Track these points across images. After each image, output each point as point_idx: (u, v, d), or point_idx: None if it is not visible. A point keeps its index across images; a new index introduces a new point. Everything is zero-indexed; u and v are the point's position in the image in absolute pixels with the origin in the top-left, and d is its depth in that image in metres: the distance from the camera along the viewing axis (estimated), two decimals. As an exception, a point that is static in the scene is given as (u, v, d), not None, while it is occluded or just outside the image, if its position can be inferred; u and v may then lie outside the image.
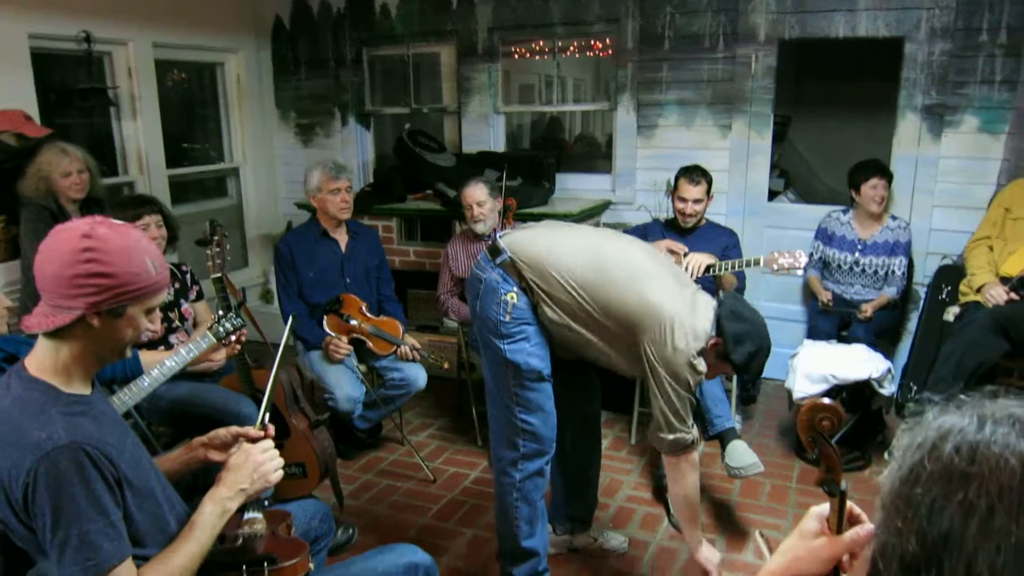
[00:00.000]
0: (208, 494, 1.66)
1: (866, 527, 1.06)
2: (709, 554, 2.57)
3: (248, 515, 1.75)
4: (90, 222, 1.51)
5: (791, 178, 6.00)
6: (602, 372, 4.36)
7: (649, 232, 4.08)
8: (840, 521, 1.08)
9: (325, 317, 3.71)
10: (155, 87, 4.99)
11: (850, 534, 1.07)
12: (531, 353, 2.45)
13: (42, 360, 1.53)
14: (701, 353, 2.31)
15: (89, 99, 4.51)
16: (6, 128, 3.80)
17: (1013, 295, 3.53)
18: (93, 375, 1.60)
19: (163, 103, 5.09)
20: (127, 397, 2.53)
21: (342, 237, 3.90)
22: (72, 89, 4.55)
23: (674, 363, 2.28)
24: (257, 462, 1.71)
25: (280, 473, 1.74)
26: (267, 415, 1.85)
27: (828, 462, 1.14)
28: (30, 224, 3.61)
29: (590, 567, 3.01)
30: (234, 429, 1.86)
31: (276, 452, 1.76)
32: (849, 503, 1.09)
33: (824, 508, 1.11)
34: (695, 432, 2.42)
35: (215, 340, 2.69)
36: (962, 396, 0.90)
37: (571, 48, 5.38)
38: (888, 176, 4.18)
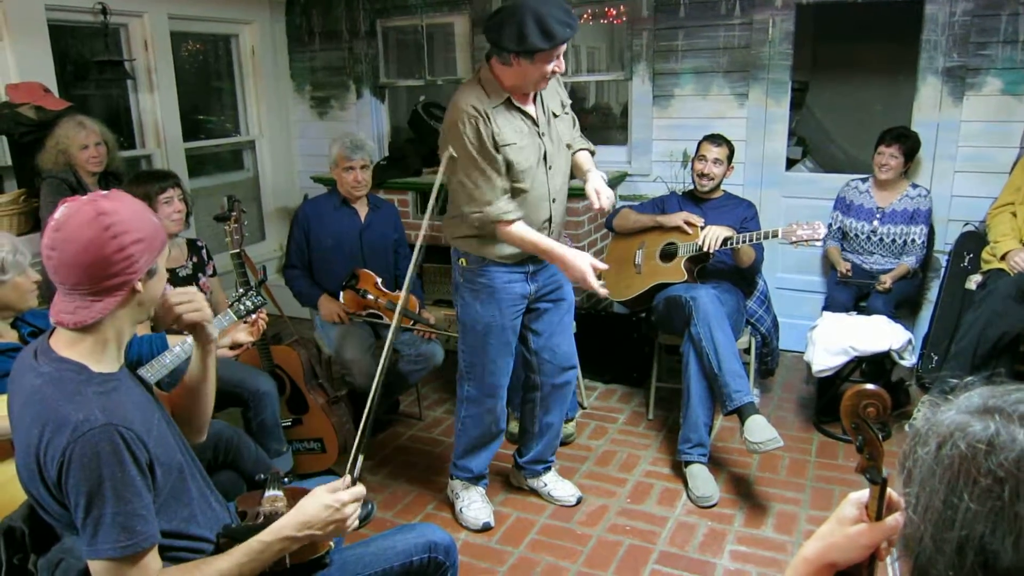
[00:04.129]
0: (273, 526, 1.59)
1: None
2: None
3: (269, 493, 1.76)
4: (90, 202, 1.49)
5: (809, 146, 5.91)
6: (619, 348, 4.34)
7: (666, 204, 4.04)
8: (880, 508, 1.08)
9: (341, 292, 3.72)
10: (171, 59, 4.97)
11: (891, 520, 1.07)
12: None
13: (71, 339, 1.52)
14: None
15: (106, 71, 4.49)
16: (25, 100, 3.82)
17: (1038, 262, 3.47)
18: (123, 349, 1.60)
19: (179, 75, 5.07)
20: (148, 374, 2.55)
21: (362, 208, 3.92)
22: (89, 61, 4.55)
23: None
24: (342, 517, 1.63)
25: (356, 523, 1.67)
26: (359, 465, 1.78)
27: (871, 450, 1.12)
28: (50, 197, 3.63)
29: (609, 543, 3.03)
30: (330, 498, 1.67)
31: (359, 504, 1.67)
32: (889, 490, 1.08)
33: (862, 495, 1.10)
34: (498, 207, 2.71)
35: (236, 318, 2.70)
36: (973, 379, 0.88)
37: (584, 16, 5.30)
38: (905, 144, 4.08)
